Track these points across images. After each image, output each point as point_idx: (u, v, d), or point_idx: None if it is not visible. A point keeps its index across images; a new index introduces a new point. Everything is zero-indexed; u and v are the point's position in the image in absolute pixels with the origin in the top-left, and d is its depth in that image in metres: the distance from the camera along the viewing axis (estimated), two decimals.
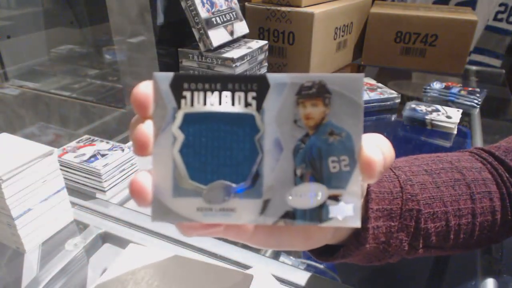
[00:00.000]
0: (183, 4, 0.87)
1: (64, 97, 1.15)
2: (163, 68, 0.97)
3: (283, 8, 1.07)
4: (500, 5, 1.47)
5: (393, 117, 0.99)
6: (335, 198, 0.21)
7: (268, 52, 1.02)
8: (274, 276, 0.48)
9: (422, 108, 0.94)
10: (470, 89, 1.05)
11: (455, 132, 0.89)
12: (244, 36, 1.01)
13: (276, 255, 0.59)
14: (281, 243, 0.27)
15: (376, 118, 0.98)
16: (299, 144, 0.21)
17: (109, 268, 0.47)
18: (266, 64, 1.04)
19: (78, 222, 0.59)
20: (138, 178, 0.20)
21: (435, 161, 0.39)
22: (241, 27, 0.99)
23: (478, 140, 0.86)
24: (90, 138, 0.70)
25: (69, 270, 0.51)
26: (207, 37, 0.87)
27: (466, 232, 0.37)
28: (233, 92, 0.20)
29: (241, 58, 0.90)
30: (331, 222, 0.21)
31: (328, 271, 0.58)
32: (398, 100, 1.00)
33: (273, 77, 0.20)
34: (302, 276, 0.49)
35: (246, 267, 0.50)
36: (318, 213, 0.21)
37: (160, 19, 0.93)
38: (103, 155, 0.65)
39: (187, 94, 0.20)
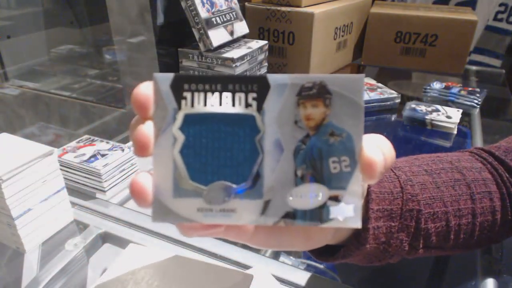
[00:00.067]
0: (183, 4, 0.87)
1: (64, 97, 1.15)
2: (163, 68, 0.97)
3: (283, 8, 1.07)
4: (500, 5, 1.47)
5: (393, 117, 0.99)
6: (336, 199, 0.21)
7: (268, 52, 1.02)
8: (274, 276, 0.48)
9: (422, 108, 0.94)
10: (470, 89, 1.05)
11: (455, 132, 0.89)
12: (244, 36, 1.01)
13: (276, 255, 0.59)
14: (282, 244, 0.27)
15: (376, 118, 0.98)
16: (299, 145, 0.21)
17: (109, 268, 0.47)
18: (266, 64, 1.04)
19: (78, 222, 0.59)
20: (139, 179, 0.20)
21: (435, 161, 0.39)
22: (241, 27, 0.99)
23: (478, 140, 0.86)
24: (90, 138, 0.70)
25: (69, 270, 0.52)
26: (207, 37, 0.87)
27: (466, 232, 0.37)
28: (233, 92, 0.20)
29: (241, 58, 0.90)
30: (331, 222, 0.21)
31: (328, 271, 0.58)
32: (398, 100, 1.00)
33: (274, 78, 0.20)
34: (302, 276, 0.49)
35: (246, 267, 0.50)
36: (318, 214, 0.21)
37: (160, 19, 0.93)
38: (103, 155, 0.65)
39: (188, 95, 0.20)
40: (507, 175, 0.39)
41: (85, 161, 0.63)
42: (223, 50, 0.92)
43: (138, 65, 0.99)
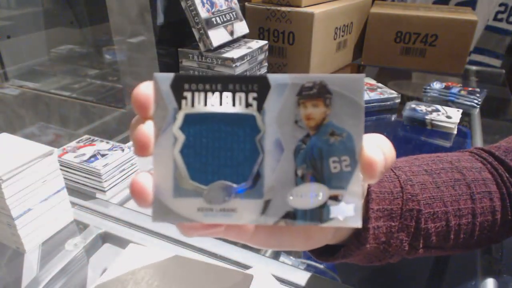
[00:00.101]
0: (183, 4, 0.87)
1: (64, 97, 1.15)
2: (163, 68, 0.97)
3: (283, 8, 1.07)
4: (500, 5, 1.47)
5: (393, 117, 0.99)
6: (336, 198, 0.21)
7: (268, 52, 1.02)
8: (274, 276, 0.48)
9: (422, 108, 0.94)
10: (470, 89, 1.05)
11: (455, 132, 0.89)
12: (244, 36, 1.01)
13: (276, 255, 0.59)
14: (282, 243, 0.27)
15: (376, 118, 0.98)
16: (300, 145, 0.21)
17: (109, 268, 0.47)
18: (266, 64, 1.04)
19: (78, 222, 0.59)
20: (139, 179, 0.20)
21: (435, 161, 0.39)
22: (241, 27, 0.99)
23: (478, 140, 0.86)
24: (90, 138, 0.70)
25: (69, 270, 0.51)
26: (207, 37, 0.87)
27: (466, 232, 0.37)
28: (233, 92, 0.20)
29: (241, 58, 0.90)
30: (331, 222, 0.21)
31: (328, 271, 0.58)
32: (398, 100, 1.00)
33: (274, 78, 0.20)
34: (302, 276, 0.49)
35: (246, 267, 0.50)
36: (318, 213, 0.21)
37: (160, 19, 0.93)
38: (103, 155, 0.65)
39: (188, 94, 0.20)
40: (507, 175, 0.39)
41: (85, 161, 0.63)
42: (223, 50, 0.92)
43: (138, 65, 0.99)
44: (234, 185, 0.21)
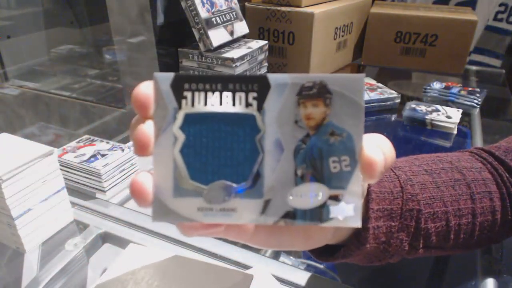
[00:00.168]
0: (183, 4, 0.87)
1: (64, 97, 1.15)
2: (163, 68, 0.97)
3: (283, 8, 1.07)
4: (500, 5, 1.47)
5: (393, 117, 0.99)
6: (336, 198, 0.21)
7: (268, 52, 1.02)
8: (274, 276, 0.48)
9: (422, 108, 0.94)
10: (470, 89, 1.05)
11: (455, 132, 0.89)
12: (244, 36, 1.01)
13: (276, 255, 0.59)
14: (282, 243, 0.27)
15: (376, 118, 0.98)
16: (299, 145, 0.21)
17: (109, 268, 0.47)
18: (266, 64, 1.04)
19: (78, 222, 0.59)
20: (139, 179, 0.20)
21: (435, 161, 0.39)
22: (241, 27, 0.99)
23: (478, 140, 0.86)
24: (90, 138, 0.70)
25: (69, 270, 0.51)
26: (207, 37, 0.87)
27: (466, 232, 0.37)
28: (233, 92, 0.20)
29: (241, 58, 0.90)
30: (331, 222, 0.21)
31: (328, 271, 0.58)
32: (398, 100, 1.00)
33: (274, 78, 0.20)
34: (302, 276, 0.49)
35: (246, 267, 0.50)
36: (318, 213, 0.21)
37: (160, 19, 0.93)
38: (103, 155, 0.65)
39: (188, 94, 0.20)
40: (507, 175, 0.39)
41: (85, 161, 0.63)
42: (223, 50, 0.92)
43: (138, 65, 0.99)
44: (234, 185, 0.21)
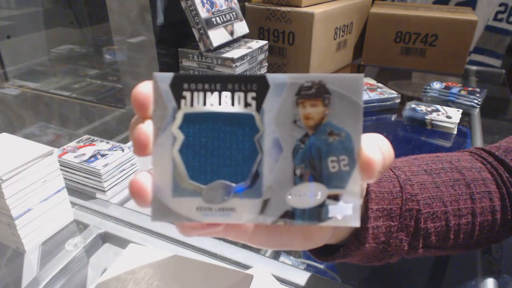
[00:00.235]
0: (183, 4, 0.87)
1: (64, 97, 1.15)
2: (163, 68, 0.97)
3: (283, 8, 1.07)
4: (500, 5, 1.47)
5: (393, 117, 0.99)
6: (335, 198, 0.21)
7: (268, 52, 1.02)
8: (274, 276, 0.48)
9: (422, 108, 0.94)
10: (470, 89, 1.05)
11: (455, 132, 0.89)
12: (244, 36, 1.01)
13: (276, 255, 0.59)
14: (281, 243, 0.27)
15: (376, 118, 0.98)
16: (298, 144, 0.21)
17: (109, 268, 0.47)
18: (266, 64, 1.04)
19: (78, 222, 0.59)
20: (138, 179, 0.20)
21: (435, 161, 0.39)
22: (241, 27, 0.99)
23: (478, 140, 0.86)
24: (90, 138, 0.70)
25: (69, 270, 0.52)
26: (207, 37, 0.87)
27: (466, 232, 0.37)
28: (232, 92, 0.20)
29: (241, 58, 0.90)
30: (330, 221, 0.21)
31: (328, 271, 0.58)
32: (398, 100, 1.00)
33: (273, 78, 0.20)
34: (302, 276, 0.49)
35: (246, 267, 0.50)
36: (317, 213, 0.21)
37: (160, 19, 0.93)
38: (103, 155, 0.65)
39: (187, 94, 0.20)
40: (507, 175, 0.39)
41: (85, 161, 0.63)
42: (223, 50, 0.92)
43: (138, 65, 0.99)
44: (233, 185, 0.21)
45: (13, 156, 0.50)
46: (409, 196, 0.33)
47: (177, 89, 0.20)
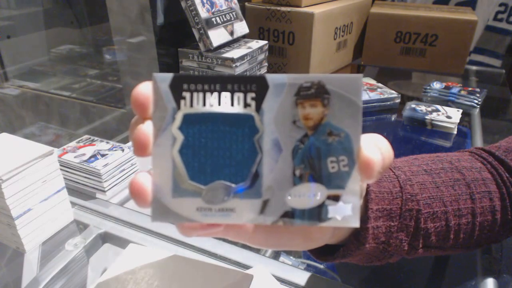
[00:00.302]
0: (183, 4, 0.87)
1: (64, 97, 1.15)
2: (163, 68, 0.97)
3: (283, 8, 1.07)
4: (500, 5, 1.47)
5: (393, 117, 0.99)
6: (334, 198, 0.21)
7: (268, 52, 1.02)
8: (274, 276, 0.48)
9: (422, 108, 0.94)
10: (470, 89, 1.05)
11: (455, 132, 0.89)
12: (244, 36, 1.01)
13: (276, 255, 0.59)
14: (281, 243, 0.27)
15: (376, 118, 0.98)
16: (298, 145, 0.21)
17: (109, 268, 0.47)
18: (266, 64, 1.04)
19: (78, 222, 0.59)
20: (138, 179, 0.20)
21: (435, 161, 0.39)
22: (241, 27, 0.99)
23: (478, 140, 0.86)
24: (90, 138, 0.70)
25: (69, 270, 0.52)
26: (207, 37, 0.87)
27: (466, 232, 0.37)
28: (232, 92, 0.20)
29: (241, 58, 0.90)
30: (330, 222, 0.21)
31: (328, 271, 0.58)
32: (398, 100, 1.00)
33: (272, 78, 0.20)
34: (302, 276, 0.49)
35: (246, 267, 0.50)
36: (317, 213, 0.21)
37: (160, 19, 0.93)
38: (103, 155, 0.65)
39: (187, 95, 0.20)
40: (507, 175, 0.39)
41: (85, 161, 0.63)
42: (223, 50, 0.92)
43: (138, 65, 0.99)
44: (233, 185, 0.21)
45: (13, 156, 0.50)
46: (409, 196, 0.33)
47: (176, 90, 0.20)
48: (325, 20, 1.09)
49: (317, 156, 0.21)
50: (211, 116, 0.20)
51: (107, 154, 0.65)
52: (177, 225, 0.22)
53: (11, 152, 0.51)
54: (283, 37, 1.11)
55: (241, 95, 0.20)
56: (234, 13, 0.97)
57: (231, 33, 0.95)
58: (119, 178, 0.65)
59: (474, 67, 1.36)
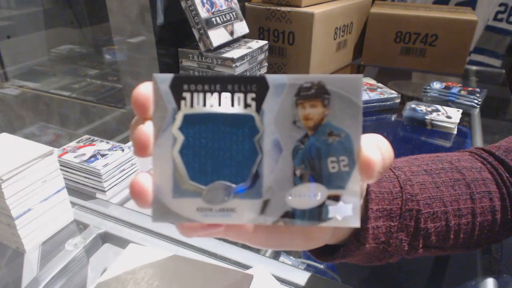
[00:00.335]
0: (183, 4, 0.87)
1: (64, 97, 1.15)
2: (163, 68, 0.97)
3: (283, 8, 1.07)
4: (500, 5, 1.47)
5: (393, 117, 0.99)
6: (335, 198, 0.21)
7: (268, 52, 1.02)
8: (274, 276, 0.48)
9: (422, 108, 0.94)
10: (470, 89, 1.05)
11: (455, 132, 0.89)
12: (244, 36, 1.01)
13: (276, 255, 0.59)
14: (281, 243, 0.27)
15: (376, 118, 0.98)
16: (298, 145, 0.21)
17: (109, 268, 0.47)
18: (266, 64, 1.04)
19: (78, 222, 0.59)
20: (139, 179, 0.20)
21: (435, 161, 0.39)
22: (241, 27, 0.99)
23: (478, 140, 0.86)
24: (90, 138, 0.70)
25: (69, 270, 0.52)
26: (207, 37, 0.87)
27: (466, 232, 0.37)
28: (232, 93, 0.20)
29: (241, 58, 0.90)
30: (330, 222, 0.21)
31: (328, 271, 0.58)
32: (398, 100, 1.00)
33: (272, 78, 0.20)
34: (302, 276, 0.49)
35: (246, 267, 0.50)
36: (317, 213, 0.21)
37: (160, 19, 0.93)
38: (103, 155, 0.65)
39: (187, 95, 0.20)
40: (507, 175, 0.39)
41: (85, 161, 0.63)
42: (223, 50, 0.92)
43: (138, 65, 0.99)
44: (233, 185, 0.21)
45: (13, 156, 0.50)
46: (409, 196, 0.33)
47: (177, 90, 0.20)
48: (325, 20, 1.09)
49: (318, 156, 0.21)
50: (212, 117, 0.20)
51: (107, 154, 0.65)
52: (177, 225, 0.22)
53: (11, 152, 0.51)
54: (283, 37, 1.11)
55: (241, 95, 0.20)
56: (234, 13, 0.97)
57: (231, 33, 0.95)
58: (119, 178, 0.65)
59: (474, 67, 1.36)
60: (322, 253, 0.34)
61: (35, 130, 1.10)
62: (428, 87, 1.05)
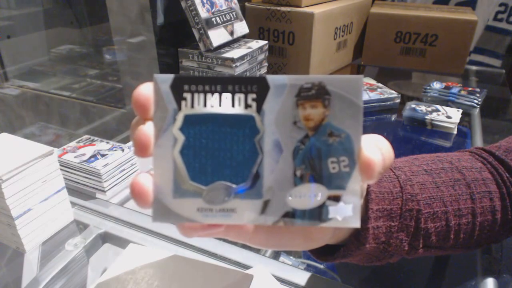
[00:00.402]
0: (183, 4, 0.87)
1: (64, 97, 1.15)
2: (163, 68, 0.97)
3: (283, 8, 1.07)
4: (500, 5, 1.47)
5: (393, 117, 0.99)
6: (335, 199, 0.21)
7: (268, 52, 1.02)
8: (274, 276, 0.48)
9: (422, 108, 0.94)
10: (470, 89, 1.05)
11: (455, 132, 0.89)
12: (244, 36, 1.01)
13: (276, 255, 0.59)
14: (281, 243, 0.27)
15: (376, 118, 0.98)
16: (298, 145, 0.21)
17: (109, 268, 0.47)
18: (266, 64, 1.04)
19: (78, 222, 0.59)
20: (139, 180, 0.20)
21: (435, 161, 0.39)
22: (241, 27, 0.99)
23: (478, 140, 0.87)
24: (90, 138, 0.70)
25: (69, 270, 0.52)
26: (207, 37, 0.87)
27: (466, 232, 0.37)
28: (233, 93, 0.20)
29: (241, 58, 0.90)
30: (330, 222, 0.21)
31: (328, 271, 0.58)
32: (398, 100, 1.00)
33: (273, 79, 0.20)
34: (302, 276, 0.49)
35: (246, 267, 0.50)
36: (317, 214, 0.21)
37: (160, 19, 0.93)
38: (103, 155, 0.65)
39: (188, 95, 0.20)
40: (507, 175, 0.39)
41: (85, 161, 0.63)
42: (223, 50, 0.92)
43: (138, 65, 0.99)
44: (234, 186, 0.21)
45: (13, 156, 0.50)
46: (409, 196, 0.33)
47: (177, 91, 0.20)
48: (325, 20, 1.09)
49: (318, 157, 0.21)
50: (212, 117, 0.20)
51: (107, 154, 0.65)
52: (177, 225, 0.22)
53: (11, 152, 0.51)
54: (283, 37, 1.11)
55: (242, 96, 0.20)
56: (234, 13, 0.97)
57: (231, 33, 0.95)
58: (119, 178, 0.65)
59: (474, 67, 1.36)
60: (322, 253, 0.34)
61: (35, 130, 1.10)
62: (428, 87, 1.05)
